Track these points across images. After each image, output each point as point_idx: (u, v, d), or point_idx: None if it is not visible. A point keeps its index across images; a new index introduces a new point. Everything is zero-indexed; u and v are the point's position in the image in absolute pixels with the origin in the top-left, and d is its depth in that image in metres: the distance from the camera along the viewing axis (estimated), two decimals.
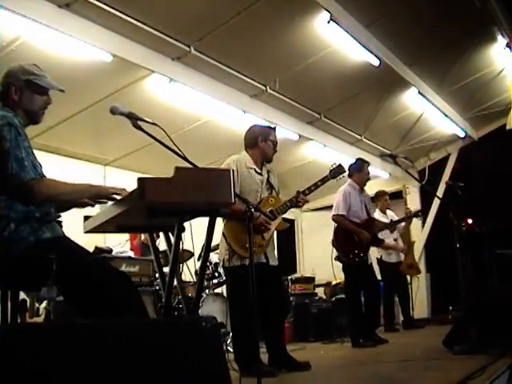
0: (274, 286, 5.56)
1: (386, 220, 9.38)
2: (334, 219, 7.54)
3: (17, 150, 3.18)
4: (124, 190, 3.34)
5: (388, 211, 10.08)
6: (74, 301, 3.33)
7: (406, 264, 10.06)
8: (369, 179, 7.84)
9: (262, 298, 5.35)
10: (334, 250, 7.48)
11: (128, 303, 3.16)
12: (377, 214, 9.67)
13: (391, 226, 8.58)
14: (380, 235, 8.19)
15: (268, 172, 5.72)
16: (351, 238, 7.37)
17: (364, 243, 7.37)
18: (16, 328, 2.43)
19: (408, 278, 10.48)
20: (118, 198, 3.35)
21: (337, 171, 6.00)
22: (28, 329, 2.36)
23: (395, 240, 10.05)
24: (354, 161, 8.11)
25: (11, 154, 3.16)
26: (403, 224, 9.85)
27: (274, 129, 5.90)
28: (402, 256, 10.12)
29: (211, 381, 2.31)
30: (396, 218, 9.85)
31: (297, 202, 5.55)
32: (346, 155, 11.09)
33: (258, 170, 5.62)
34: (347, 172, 7.25)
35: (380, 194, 10.19)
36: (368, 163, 7.89)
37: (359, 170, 7.70)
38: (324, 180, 5.84)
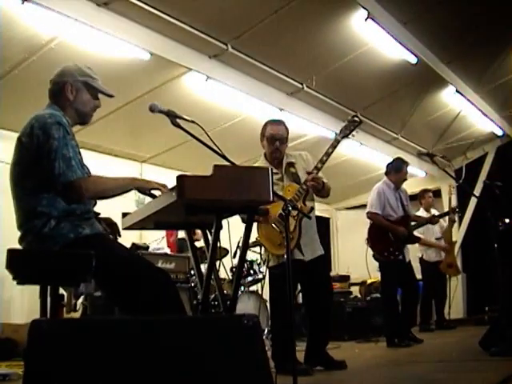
0: (318, 282, 5.53)
1: None
2: (368, 216, 7.54)
3: (64, 148, 3.21)
4: (165, 186, 3.37)
5: (432, 210, 10.03)
6: (112, 297, 3.38)
7: (445, 263, 10.00)
8: (405, 180, 7.79)
9: (306, 294, 5.36)
10: (369, 248, 7.47)
11: (166, 300, 3.18)
12: (420, 212, 9.69)
13: (432, 220, 8.49)
14: (422, 233, 8.17)
15: (290, 164, 5.53)
16: (386, 235, 7.34)
17: (400, 240, 7.33)
18: (62, 323, 2.46)
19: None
20: (158, 193, 3.38)
21: (349, 126, 5.45)
22: (74, 324, 2.40)
23: (437, 239, 10.00)
24: (390, 159, 8.08)
25: (59, 152, 3.19)
26: (446, 224, 9.80)
27: (272, 122, 5.55)
28: (443, 255, 10.05)
29: (253, 378, 2.32)
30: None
31: (306, 184, 5.19)
32: (382, 153, 11.06)
33: (275, 170, 5.35)
34: (385, 169, 7.27)
35: (423, 192, 10.17)
36: (407, 163, 7.81)
37: (397, 170, 7.65)
38: (334, 145, 5.33)
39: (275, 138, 5.43)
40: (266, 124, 5.56)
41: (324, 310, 5.59)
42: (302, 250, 5.37)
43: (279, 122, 5.58)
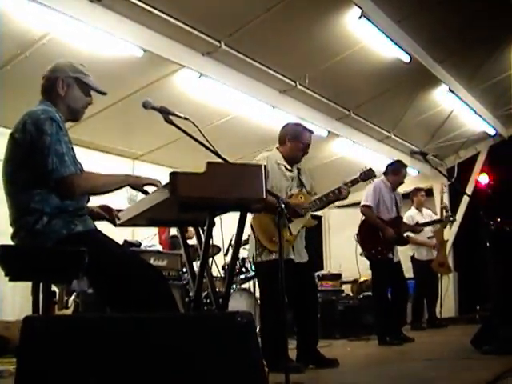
0: (305, 283, 5.56)
1: (421, 217, 9.44)
2: (361, 210, 7.53)
3: (57, 144, 3.20)
4: (159, 181, 3.35)
5: (424, 209, 10.07)
6: (104, 293, 3.36)
7: (437, 262, 10.00)
8: (402, 183, 7.80)
9: (293, 294, 5.35)
10: (359, 245, 7.46)
11: (158, 298, 3.18)
12: (411, 211, 9.73)
13: (417, 228, 8.58)
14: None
15: (299, 170, 5.70)
16: (375, 234, 7.34)
17: (388, 241, 7.33)
18: (54, 320, 2.45)
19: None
20: (151, 190, 3.37)
21: (367, 175, 5.97)
22: (68, 321, 2.39)
23: (429, 238, 10.01)
24: (383, 158, 8.09)
25: (52, 148, 3.18)
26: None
27: (309, 130, 5.75)
28: (434, 253, 10.06)
29: (246, 376, 2.31)
30: (433, 216, 9.86)
31: (340, 192, 5.55)
32: (374, 152, 11.07)
33: (288, 167, 5.60)
34: (379, 171, 7.28)
35: (416, 191, 10.20)
36: (406, 166, 7.83)
37: (395, 173, 7.65)
38: (353, 182, 5.78)
39: (308, 146, 5.68)
40: (303, 129, 5.73)
41: (311, 310, 5.65)
42: (294, 250, 5.47)
43: (311, 131, 5.81)
